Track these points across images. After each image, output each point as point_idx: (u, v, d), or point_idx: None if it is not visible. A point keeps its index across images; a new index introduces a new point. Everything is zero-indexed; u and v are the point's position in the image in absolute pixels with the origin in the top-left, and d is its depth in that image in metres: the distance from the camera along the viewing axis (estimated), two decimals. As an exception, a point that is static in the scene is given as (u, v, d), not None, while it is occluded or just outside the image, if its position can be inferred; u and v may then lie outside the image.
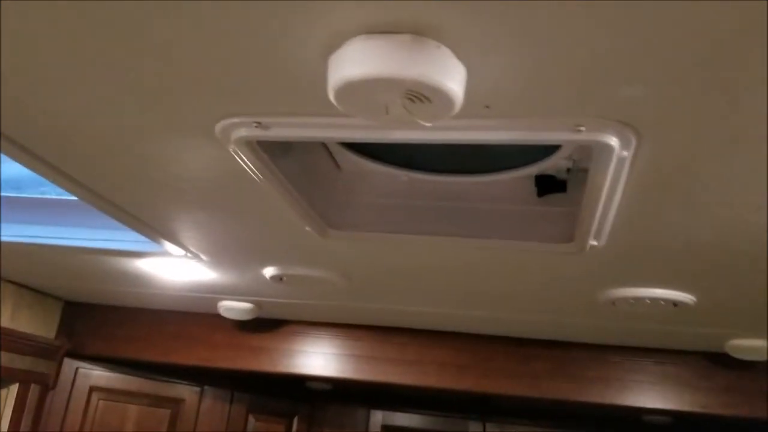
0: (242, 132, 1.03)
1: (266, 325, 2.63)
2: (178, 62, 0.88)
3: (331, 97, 0.81)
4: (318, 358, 2.60)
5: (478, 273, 1.70)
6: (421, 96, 0.78)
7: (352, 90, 0.79)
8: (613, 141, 0.94)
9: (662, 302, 1.74)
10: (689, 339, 2.20)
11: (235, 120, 1.02)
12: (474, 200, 1.49)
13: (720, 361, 2.27)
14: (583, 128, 0.93)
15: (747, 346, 2.10)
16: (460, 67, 0.79)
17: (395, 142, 1.01)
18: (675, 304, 1.75)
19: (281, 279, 1.96)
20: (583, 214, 1.28)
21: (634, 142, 0.95)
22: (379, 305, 2.16)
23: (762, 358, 2.15)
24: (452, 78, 0.78)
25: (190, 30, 0.81)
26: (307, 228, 1.48)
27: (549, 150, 1.33)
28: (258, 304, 2.40)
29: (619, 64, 0.79)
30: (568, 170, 1.40)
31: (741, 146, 0.95)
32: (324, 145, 1.42)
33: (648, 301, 1.75)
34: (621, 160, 1.00)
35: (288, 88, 0.92)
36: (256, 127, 1.01)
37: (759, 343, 2.08)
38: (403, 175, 1.47)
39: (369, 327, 2.55)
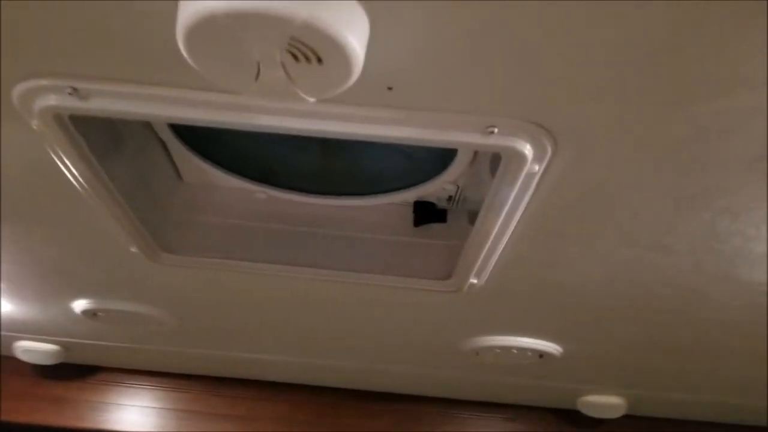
0: (50, 100, 0.76)
1: (74, 371, 2.22)
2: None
3: (181, 42, 0.58)
4: (134, 413, 2.22)
5: (335, 312, 1.48)
6: (310, 52, 0.57)
7: (211, 33, 0.56)
8: (527, 149, 0.78)
9: (529, 353, 1.62)
10: (543, 394, 2.11)
11: (42, 82, 0.74)
12: (341, 227, 1.28)
13: (571, 417, 2.20)
14: (495, 129, 0.76)
15: (600, 402, 2.04)
16: (364, 20, 0.60)
17: (258, 129, 0.78)
18: (541, 355, 1.64)
19: (95, 315, 1.62)
20: (470, 244, 1.12)
21: (549, 153, 0.80)
22: (211, 351, 1.86)
23: (613, 415, 2.10)
24: (353, 31, 0.58)
25: None
26: (133, 249, 1.20)
27: (430, 172, 1.17)
28: (65, 346, 2.01)
29: (546, 55, 0.63)
30: (450, 198, 1.24)
31: (660, 172, 0.83)
32: (164, 147, 1.16)
33: (515, 351, 1.62)
34: (529, 177, 0.85)
35: (123, 39, 0.67)
36: (70, 94, 0.74)
37: (613, 400, 2.02)
38: (260, 192, 1.24)
39: (197, 377, 2.23)
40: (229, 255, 1.24)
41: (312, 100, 0.63)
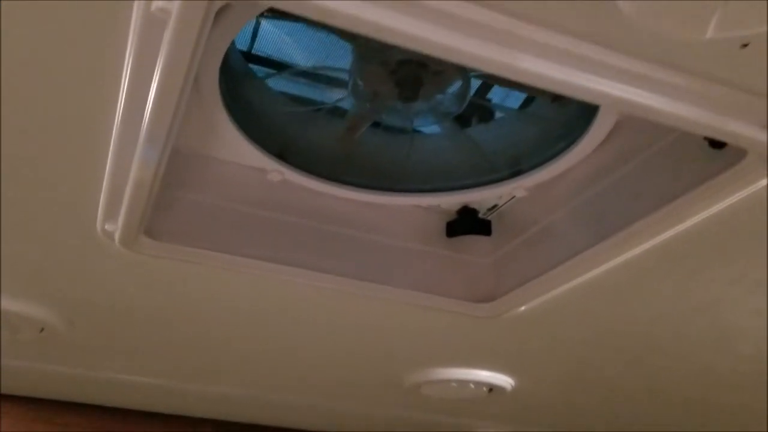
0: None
1: None
2: None
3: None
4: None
5: (308, 329, 1.20)
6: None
7: None
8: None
9: (484, 387, 1.47)
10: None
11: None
12: (360, 227, 1.03)
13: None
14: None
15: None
16: None
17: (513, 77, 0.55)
18: (491, 389, 1.50)
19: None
20: (538, 266, 0.96)
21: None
22: (96, 372, 1.44)
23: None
24: None
25: None
26: (109, 227, 0.85)
27: (501, 173, 0.98)
28: None
29: None
30: (494, 207, 1.06)
31: None
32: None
33: (472, 386, 1.46)
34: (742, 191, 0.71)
35: None
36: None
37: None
38: (274, 172, 0.95)
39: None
40: (223, 247, 0.94)
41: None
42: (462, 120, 0.99)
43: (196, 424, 1.79)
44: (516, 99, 0.98)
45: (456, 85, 0.86)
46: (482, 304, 1.04)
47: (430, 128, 1.03)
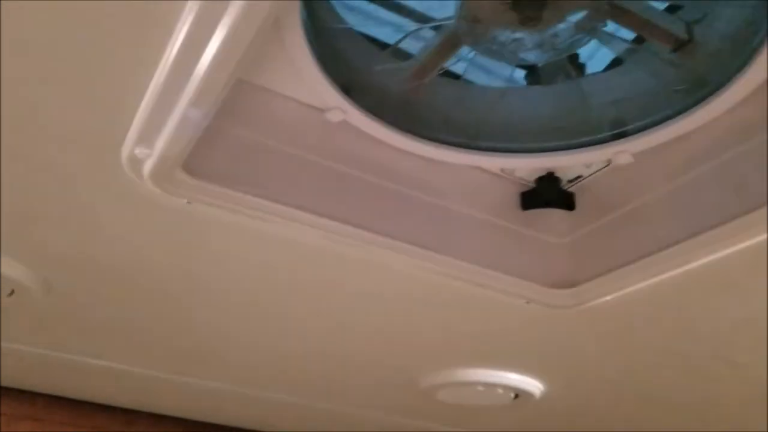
0: None
1: None
2: None
3: None
4: None
5: (381, 309, 1.03)
6: None
7: None
8: None
9: (511, 392, 1.31)
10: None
11: None
12: (422, 187, 0.87)
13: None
14: None
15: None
16: None
17: None
18: (517, 394, 1.34)
19: None
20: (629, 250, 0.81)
21: None
22: (65, 354, 1.22)
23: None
24: None
25: None
26: (139, 151, 0.66)
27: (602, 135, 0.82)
28: None
29: None
30: (577, 179, 0.91)
31: None
32: None
33: (500, 391, 1.30)
34: None
35: None
36: None
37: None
38: (335, 110, 0.78)
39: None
40: (265, 193, 0.76)
41: None
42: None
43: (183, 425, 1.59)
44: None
45: (579, 14, 0.70)
46: (560, 290, 0.88)
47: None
